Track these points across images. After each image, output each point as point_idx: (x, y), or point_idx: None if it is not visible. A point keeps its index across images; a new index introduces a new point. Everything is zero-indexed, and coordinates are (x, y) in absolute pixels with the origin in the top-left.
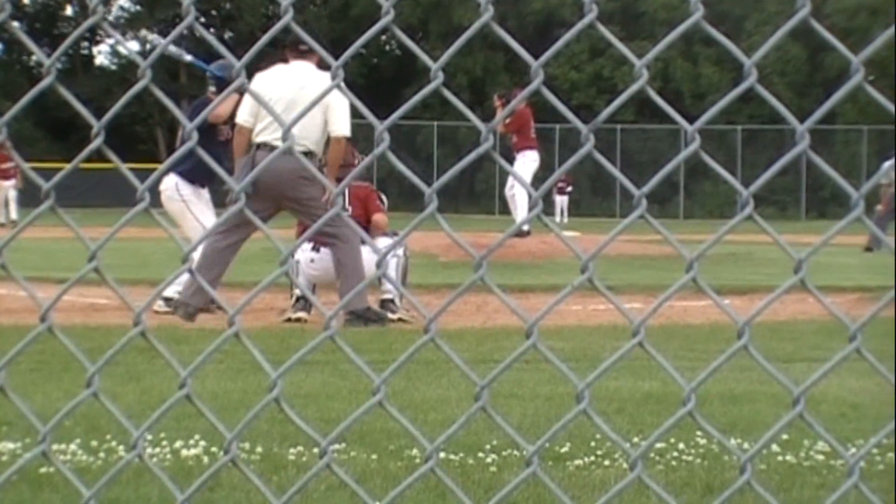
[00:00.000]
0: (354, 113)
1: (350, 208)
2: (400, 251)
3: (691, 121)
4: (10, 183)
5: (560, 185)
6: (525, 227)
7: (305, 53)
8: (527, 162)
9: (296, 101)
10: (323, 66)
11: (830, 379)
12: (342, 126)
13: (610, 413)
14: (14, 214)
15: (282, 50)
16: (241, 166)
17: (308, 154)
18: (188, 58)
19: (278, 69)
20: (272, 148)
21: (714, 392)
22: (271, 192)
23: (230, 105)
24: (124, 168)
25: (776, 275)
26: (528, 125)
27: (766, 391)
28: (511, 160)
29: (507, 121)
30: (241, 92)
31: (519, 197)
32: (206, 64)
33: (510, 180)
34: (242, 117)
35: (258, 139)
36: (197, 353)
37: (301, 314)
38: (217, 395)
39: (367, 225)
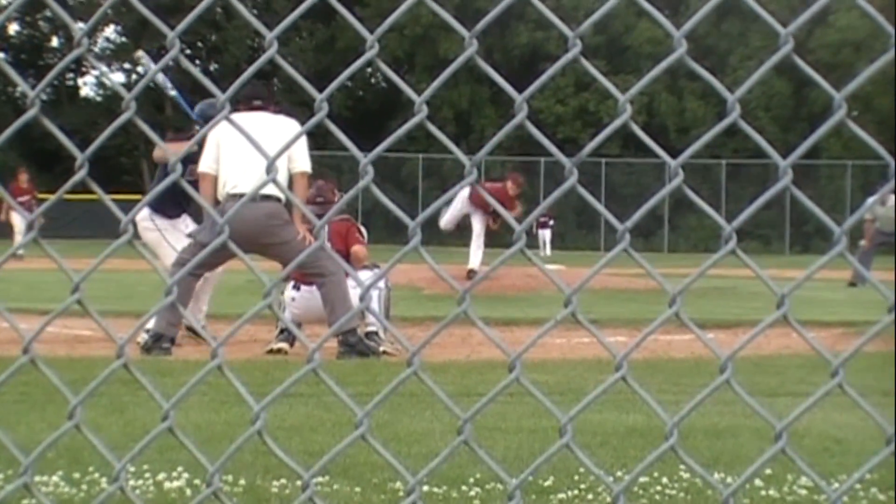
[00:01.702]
0: (339, 145)
1: (330, 244)
2: (382, 283)
3: (676, 155)
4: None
5: (542, 218)
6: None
7: (258, 109)
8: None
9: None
10: (276, 112)
11: (814, 413)
12: (303, 162)
13: (594, 446)
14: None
15: (236, 104)
16: (209, 216)
17: (274, 198)
18: (172, 92)
19: (239, 118)
20: (241, 197)
21: (698, 426)
22: (244, 241)
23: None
24: (108, 199)
25: (760, 309)
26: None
27: (750, 425)
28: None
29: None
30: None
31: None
32: (190, 99)
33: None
34: (207, 164)
35: (226, 190)
36: (181, 385)
37: (282, 345)
38: (200, 427)
39: (347, 258)
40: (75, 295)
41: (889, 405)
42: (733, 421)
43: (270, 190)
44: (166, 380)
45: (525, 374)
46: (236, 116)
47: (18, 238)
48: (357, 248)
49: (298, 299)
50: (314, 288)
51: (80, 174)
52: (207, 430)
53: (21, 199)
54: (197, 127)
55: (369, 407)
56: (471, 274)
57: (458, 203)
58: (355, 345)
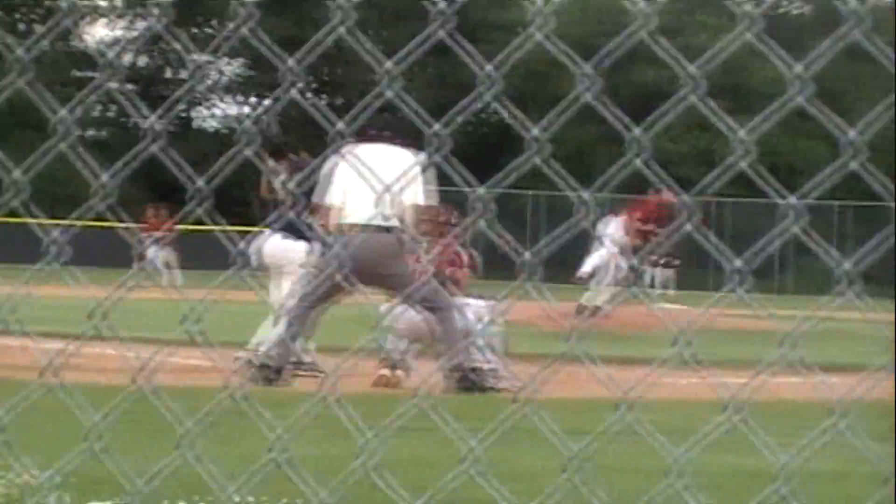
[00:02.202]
0: (449, 181)
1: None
2: (499, 324)
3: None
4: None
5: (665, 258)
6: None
7: (388, 138)
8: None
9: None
10: (403, 145)
11: None
12: (415, 195)
13: (700, 487)
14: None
15: (365, 133)
16: (331, 245)
17: (395, 229)
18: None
19: (363, 149)
20: (363, 227)
21: (807, 470)
22: (361, 271)
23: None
24: (224, 238)
25: (873, 353)
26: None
27: (860, 470)
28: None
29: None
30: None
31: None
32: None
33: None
34: (333, 197)
35: (347, 219)
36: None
37: (384, 372)
38: (313, 461)
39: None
40: (189, 326)
41: None
42: (845, 466)
43: (386, 221)
44: (284, 411)
45: (640, 414)
46: (365, 145)
47: (161, 269)
48: (455, 272)
49: (403, 317)
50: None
51: (202, 202)
52: (321, 463)
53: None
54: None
55: (476, 443)
56: (583, 309)
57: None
58: (476, 381)
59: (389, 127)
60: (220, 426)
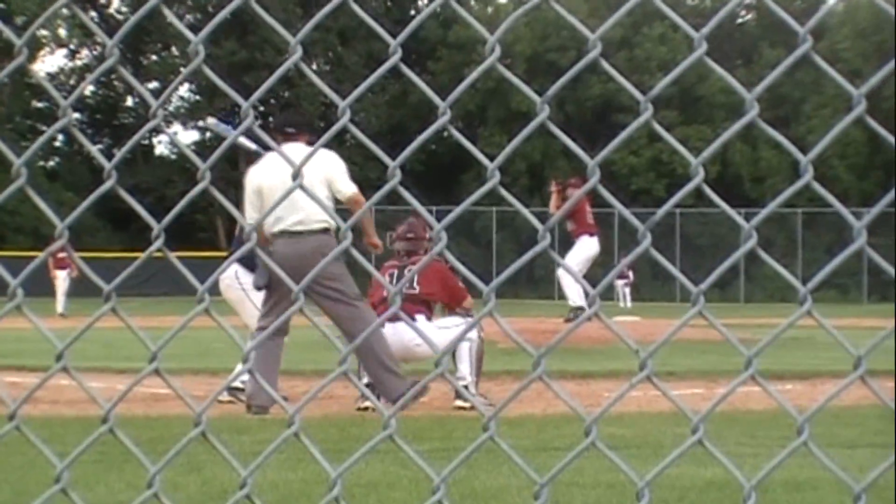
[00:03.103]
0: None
1: (418, 287)
2: (473, 335)
3: (750, 205)
4: (65, 273)
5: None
6: (577, 304)
7: (292, 136)
8: (583, 248)
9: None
10: (311, 143)
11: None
12: (345, 185)
13: (672, 502)
14: (60, 307)
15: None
16: (261, 262)
17: (324, 231)
18: (252, 147)
19: (269, 158)
20: (290, 233)
21: (777, 479)
22: (298, 277)
23: None
24: (185, 270)
25: (839, 359)
26: (582, 210)
27: (830, 478)
28: (570, 244)
29: (558, 204)
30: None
31: (566, 278)
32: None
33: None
34: (249, 215)
35: (272, 229)
36: (258, 442)
37: (368, 403)
38: (277, 486)
39: (447, 301)
40: (153, 364)
41: None
42: (813, 473)
43: (316, 224)
44: (243, 437)
45: (602, 428)
46: (270, 156)
47: (60, 298)
48: (468, 302)
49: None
50: (397, 325)
51: (157, 244)
52: (285, 489)
53: (62, 254)
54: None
55: (445, 473)
56: (578, 313)
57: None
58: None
59: (291, 124)
60: (183, 454)
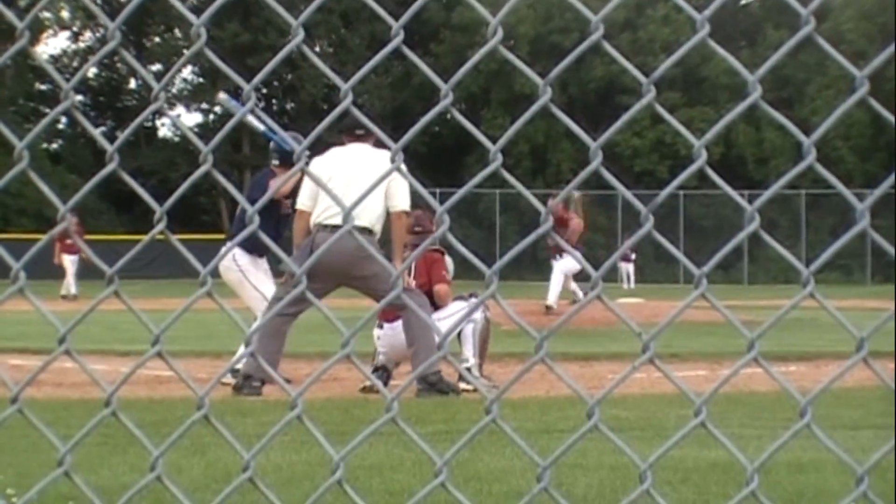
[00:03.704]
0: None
1: (415, 281)
2: (478, 315)
3: (754, 186)
4: (74, 258)
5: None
6: (552, 304)
7: (361, 137)
8: (572, 261)
9: (354, 181)
10: (379, 144)
11: None
12: (402, 201)
13: (675, 483)
14: (74, 289)
15: (338, 134)
16: (302, 248)
17: (366, 231)
18: (261, 127)
19: (335, 152)
20: (333, 228)
21: (780, 460)
22: (334, 272)
23: (291, 184)
24: (189, 255)
25: (843, 340)
26: (576, 231)
27: (833, 460)
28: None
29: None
30: (301, 174)
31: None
32: (277, 134)
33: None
34: (302, 202)
35: (318, 220)
36: (261, 425)
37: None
38: (281, 468)
39: (429, 292)
40: (156, 348)
41: None
42: (816, 455)
43: (361, 222)
44: (247, 420)
45: (606, 410)
46: (337, 150)
47: (71, 280)
48: (439, 288)
49: (384, 337)
50: (399, 325)
51: (159, 227)
52: (288, 471)
53: (70, 240)
54: (275, 162)
55: (448, 456)
56: (549, 310)
57: None
58: (435, 384)
59: (359, 125)
60: (187, 437)
